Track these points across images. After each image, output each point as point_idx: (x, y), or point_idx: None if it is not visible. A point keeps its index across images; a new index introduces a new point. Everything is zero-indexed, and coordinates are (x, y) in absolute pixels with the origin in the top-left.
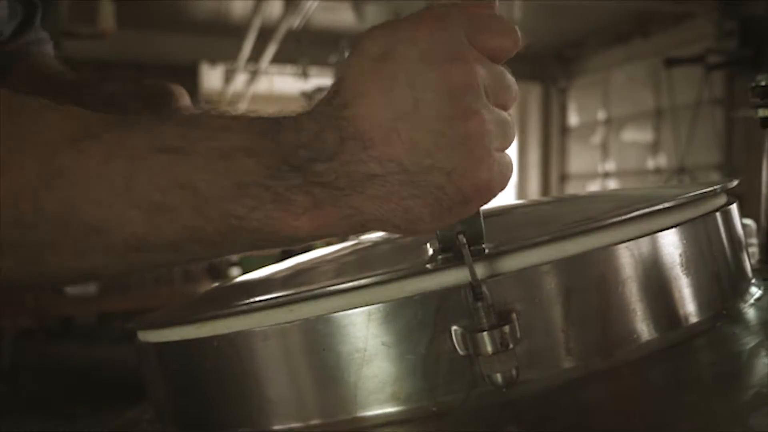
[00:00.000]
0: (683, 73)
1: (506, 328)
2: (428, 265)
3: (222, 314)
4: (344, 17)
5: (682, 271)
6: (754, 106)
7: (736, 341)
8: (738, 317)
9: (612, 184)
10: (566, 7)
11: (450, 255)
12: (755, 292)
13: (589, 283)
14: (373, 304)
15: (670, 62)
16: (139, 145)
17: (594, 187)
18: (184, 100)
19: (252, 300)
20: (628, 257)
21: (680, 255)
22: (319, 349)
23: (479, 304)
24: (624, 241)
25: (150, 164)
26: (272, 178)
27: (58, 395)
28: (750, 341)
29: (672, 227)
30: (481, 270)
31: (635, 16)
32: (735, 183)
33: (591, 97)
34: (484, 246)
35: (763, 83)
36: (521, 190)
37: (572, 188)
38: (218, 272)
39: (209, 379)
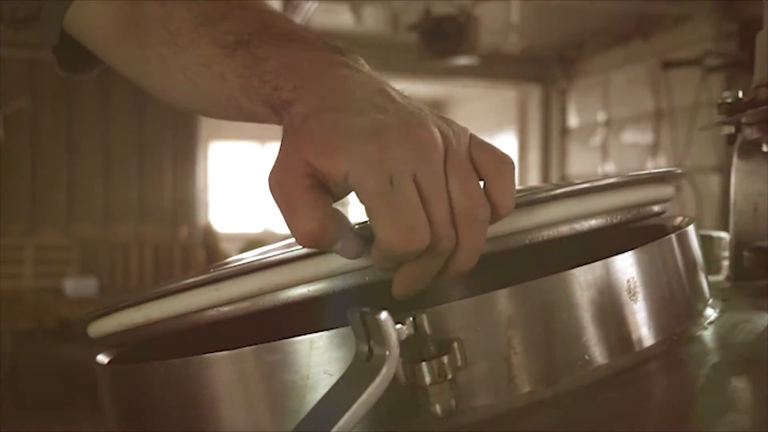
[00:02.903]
0: (682, 75)
1: (445, 359)
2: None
3: (151, 296)
4: (343, 19)
5: (630, 297)
6: (720, 123)
7: (684, 368)
8: (689, 342)
9: None
10: (566, 9)
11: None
12: (710, 314)
13: (533, 311)
14: (296, 280)
15: (668, 65)
16: None
17: None
18: None
19: (183, 281)
20: (573, 284)
21: (628, 281)
22: (263, 376)
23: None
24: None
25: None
26: None
27: (57, 397)
28: (698, 367)
29: (621, 252)
30: None
31: (635, 18)
32: (678, 171)
33: (591, 99)
34: None
35: (729, 100)
36: None
37: None
38: None
39: (155, 405)
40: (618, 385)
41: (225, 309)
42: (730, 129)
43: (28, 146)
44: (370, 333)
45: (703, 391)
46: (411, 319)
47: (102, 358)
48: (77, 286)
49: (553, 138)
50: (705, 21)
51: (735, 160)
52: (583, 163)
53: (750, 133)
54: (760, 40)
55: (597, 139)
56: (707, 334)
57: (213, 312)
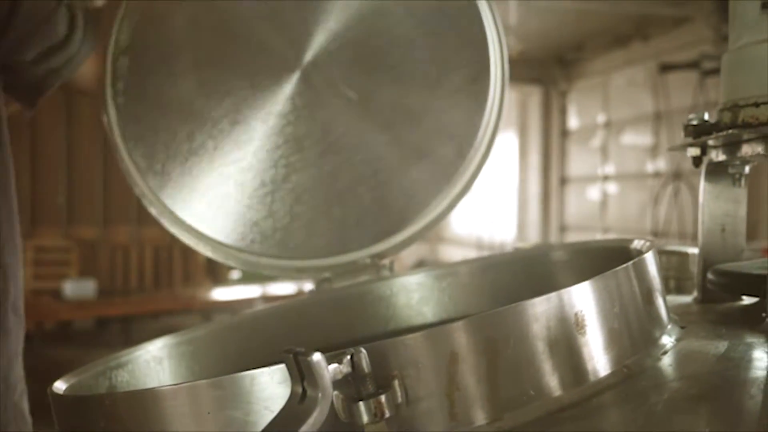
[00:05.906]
0: (680, 77)
1: (383, 397)
2: None
3: None
4: None
5: (577, 330)
6: (686, 145)
7: (631, 403)
8: (640, 374)
9: (611, 187)
10: (566, 11)
11: None
12: (666, 343)
13: (476, 346)
14: None
15: (665, 68)
16: None
17: (594, 190)
18: None
19: None
20: (517, 318)
21: (576, 314)
22: (205, 412)
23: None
24: None
25: None
26: None
27: None
28: (645, 402)
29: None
30: None
31: (634, 20)
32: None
33: (591, 100)
34: None
35: (694, 122)
36: (522, 193)
37: (572, 191)
38: (218, 275)
39: None
40: (564, 419)
41: None
42: (696, 151)
43: (28, 147)
44: (304, 374)
45: (647, 428)
46: (349, 357)
47: (59, 385)
48: (76, 288)
49: (553, 139)
50: (704, 23)
51: (702, 182)
52: (583, 164)
53: (716, 155)
54: (723, 63)
55: (597, 141)
56: (660, 366)
57: None
